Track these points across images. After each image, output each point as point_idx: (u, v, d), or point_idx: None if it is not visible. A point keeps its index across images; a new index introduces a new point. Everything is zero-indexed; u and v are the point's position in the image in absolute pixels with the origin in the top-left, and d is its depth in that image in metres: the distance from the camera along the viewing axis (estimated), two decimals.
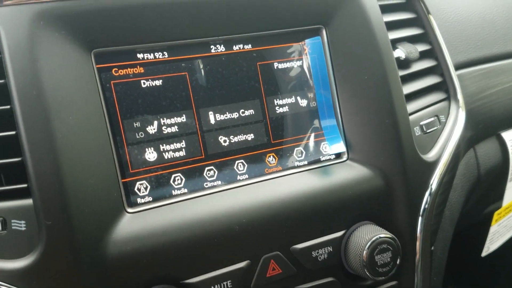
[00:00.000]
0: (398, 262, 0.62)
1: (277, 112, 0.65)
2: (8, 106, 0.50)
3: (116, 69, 0.56)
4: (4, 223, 0.49)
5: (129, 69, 0.57)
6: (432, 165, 0.71)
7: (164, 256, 0.54)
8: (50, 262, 0.50)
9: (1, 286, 0.49)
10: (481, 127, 0.77)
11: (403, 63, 0.71)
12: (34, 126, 0.49)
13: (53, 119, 0.50)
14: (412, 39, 0.77)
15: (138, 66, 0.58)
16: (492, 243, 0.90)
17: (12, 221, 0.50)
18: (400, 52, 0.73)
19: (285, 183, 0.62)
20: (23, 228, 0.50)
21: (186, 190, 0.60)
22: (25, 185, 0.50)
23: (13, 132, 0.50)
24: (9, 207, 0.50)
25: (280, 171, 0.65)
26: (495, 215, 0.88)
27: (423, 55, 0.77)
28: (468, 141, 0.76)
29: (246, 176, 0.63)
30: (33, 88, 0.49)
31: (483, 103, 0.78)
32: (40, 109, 0.49)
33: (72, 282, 0.49)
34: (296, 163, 0.66)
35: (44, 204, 0.49)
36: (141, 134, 0.58)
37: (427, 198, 0.69)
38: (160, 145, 0.59)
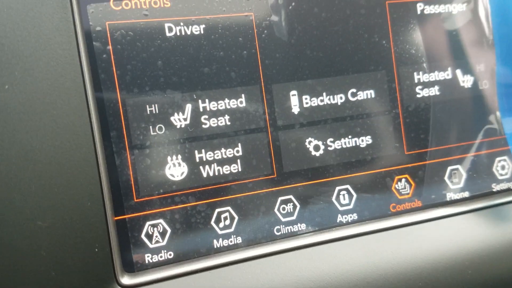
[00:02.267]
0: None
1: (418, 96, 0.41)
2: None
3: None
4: None
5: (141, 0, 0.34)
6: None
7: None
8: None
9: None
10: None
11: None
12: None
13: None
14: None
15: None
16: None
17: None
18: None
19: (431, 236, 0.39)
20: None
21: (240, 240, 0.37)
22: None
23: None
24: None
25: (419, 209, 0.41)
26: None
27: None
28: None
29: (355, 216, 0.40)
30: None
31: None
32: None
33: None
34: (450, 196, 0.42)
35: None
36: (160, 128, 0.35)
37: None
38: (196, 151, 0.36)
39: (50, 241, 0.29)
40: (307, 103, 0.38)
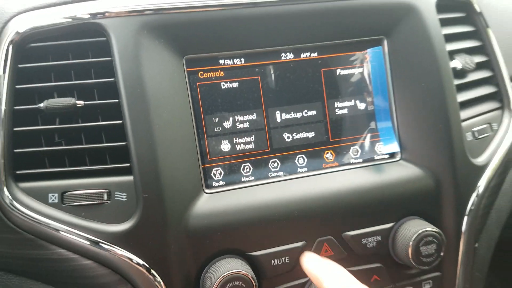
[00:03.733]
0: (441, 254, 0.64)
1: (337, 113, 0.69)
2: (117, 100, 0.58)
3: (202, 72, 0.64)
4: (109, 194, 0.58)
5: (212, 73, 0.64)
6: (481, 168, 0.72)
7: (234, 232, 0.61)
8: (144, 228, 0.58)
9: (104, 245, 0.60)
10: None
11: (460, 73, 0.73)
12: (137, 117, 0.57)
13: (152, 112, 0.58)
14: (470, 51, 0.76)
15: (219, 70, 0.65)
16: None
17: (116, 193, 0.58)
18: (457, 63, 0.75)
19: (341, 178, 0.67)
20: (124, 199, 0.58)
21: (253, 178, 0.66)
22: (127, 165, 0.59)
23: (120, 122, 0.58)
24: (114, 182, 0.58)
25: (336, 166, 0.69)
26: None
27: (480, 66, 0.76)
28: None
29: (306, 169, 0.68)
30: (137, 87, 0.57)
31: None
32: (142, 103, 0.58)
33: (161, 246, 0.58)
34: (352, 160, 0.70)
35: (142, 180, 0.57)
36: (219, 128, 0.65)
37: (474, 199, 0.70)
38: (234, 138, 0.66)
39: (179, 172, 0.58)
40: (284, 116, 0.65)
